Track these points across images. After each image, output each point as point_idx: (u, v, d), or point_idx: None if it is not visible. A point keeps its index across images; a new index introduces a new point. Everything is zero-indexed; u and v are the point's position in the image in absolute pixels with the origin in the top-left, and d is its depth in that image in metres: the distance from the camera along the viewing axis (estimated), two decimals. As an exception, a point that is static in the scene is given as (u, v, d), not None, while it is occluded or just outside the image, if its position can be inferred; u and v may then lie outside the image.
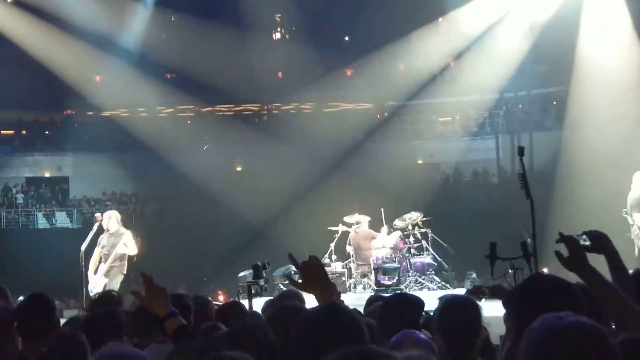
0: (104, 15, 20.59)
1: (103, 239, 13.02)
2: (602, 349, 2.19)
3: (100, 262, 12.98)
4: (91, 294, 12.64)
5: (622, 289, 3.88)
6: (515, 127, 21.08)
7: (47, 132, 24.20)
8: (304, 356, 2.86)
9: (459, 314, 4.23)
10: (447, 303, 4.50)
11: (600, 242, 4.10)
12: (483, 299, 8.33)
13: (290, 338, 3.07)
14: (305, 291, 3.77)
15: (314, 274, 3.66)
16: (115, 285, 12.91)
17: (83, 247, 12.78)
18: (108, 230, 12.98)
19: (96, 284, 12.83)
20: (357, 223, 16.73)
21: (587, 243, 4.15)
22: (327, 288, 3.70)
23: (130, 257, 12.94)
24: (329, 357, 2.06)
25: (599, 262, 3.95)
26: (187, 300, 5.76)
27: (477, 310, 4.33)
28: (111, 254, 12.86)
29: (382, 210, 16.85)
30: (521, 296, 3.22)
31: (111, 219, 13.04)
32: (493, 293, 6.02)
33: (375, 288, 15.22)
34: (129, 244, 12.75)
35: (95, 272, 12.92)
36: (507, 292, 5.65)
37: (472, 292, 6.04)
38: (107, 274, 12.84)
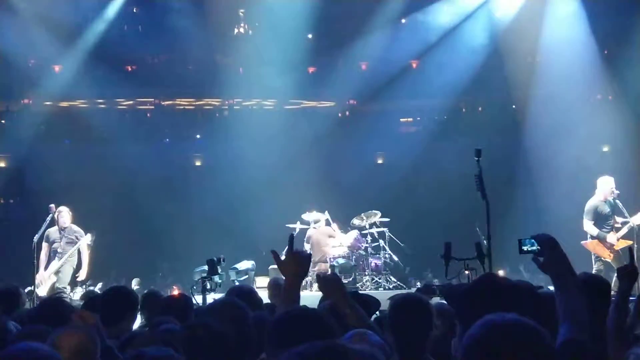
0: (64, 4, 20.35)
1: (53, 234, 12.91)
2: (539, 349, 2.22)
3: (49, 258, 12.88)
4: (37, 289, 12.55)
5: (573, 294, 3.91)
6: (475, 129, 21.18)
7: (2, 122, 23.84)
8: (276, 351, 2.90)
9: (409, 312, 4.24)
10: (397, 301, 4.51)
11: (548, 246, 4.12)
12: (437, 298, 8.36)
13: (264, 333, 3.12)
14: (282, 271, 4.10)
15: (300, 264, 4.04)
16: (66, 279, 12.81)
17: (36, 238, 12.66)
18: (60, 225, 12.88)
19: (44, 280, 12.72)
20: (316, 221, 16.79)
21: (535, 247, 4.18)
22: (300, 280, 4.12)
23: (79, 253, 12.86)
24: (294, 351, 2.06)
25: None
26: (130, 293, 5.75)
27: (427, 308, 4.34)
28: (65, 252, 12.76)
29: (327, 212, 16.93)
30: (467, 298, 3.24)
31: (64, 215, 12.96)
32: (442, 292, 6.06)
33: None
34: (82, 246, 12.67)
35: (45, 268, 12.83)
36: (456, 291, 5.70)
37: (423, 291, 6.08)
38: (57, 273, 12.73)
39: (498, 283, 3.31)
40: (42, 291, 12.66)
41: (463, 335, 3.24)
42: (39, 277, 12.72)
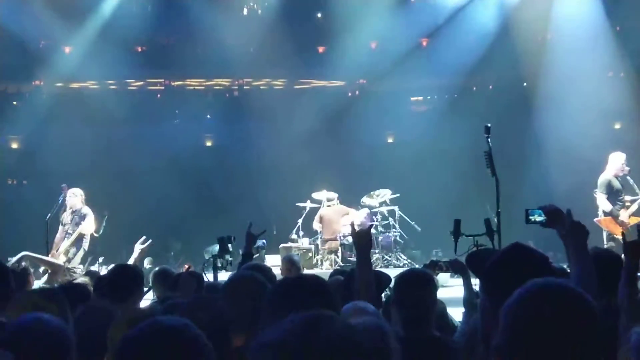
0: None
1: (65, 217, 13.01)
2: (587, 314, 2.17)
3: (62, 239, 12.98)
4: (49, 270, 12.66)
5: (579, 265, 3.93)
6: (486, 107, 21.11)
7: (14, 103, 23.94)
8: (275, 317, 2.89)
9: (414, 287, 4.25)
10: (402, 277, 4.54)
11: (555, 217, 4.13)
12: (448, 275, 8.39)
13: (262, 301, 3.15)
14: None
15: (361, 238, 4.73)
16: (77, 260, 12.90)
17: (48, 218, 12.75)
18: (71, 208, 12.96)
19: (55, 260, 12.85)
20: (330, 199, 16.84)
21: (542, 218, 4.19)
22: (362, 250, 4.73)
23: (92, 233, 12.95)
24: (289, 319, 2.04)
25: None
26: (136, 270, 5.81)
27: (432, 283, 4.36)
28: (74, 233, 12.86)
29: (337, 196, 16.98)
30: (499, 265, 3.22)
31: (75, 197, 13.02)
32: (449, 267, 6.07)
33: (342, 264, 15.30)
34: (86, 223, 12.74)
35: (57, 249, 12.94)
36: (463, 266, 5.74)
37: (429, 266, 6.08)
38: (66, 252, 12.82)
39: (529, 253, 3.29)
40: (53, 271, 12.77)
41: (485, 306, 3.25)
42: (51, 258, 12.82)
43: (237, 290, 4.05)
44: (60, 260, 12.79)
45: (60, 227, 13.15)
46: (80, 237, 12.96)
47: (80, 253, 13.03)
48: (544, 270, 3.12)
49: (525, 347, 2.16)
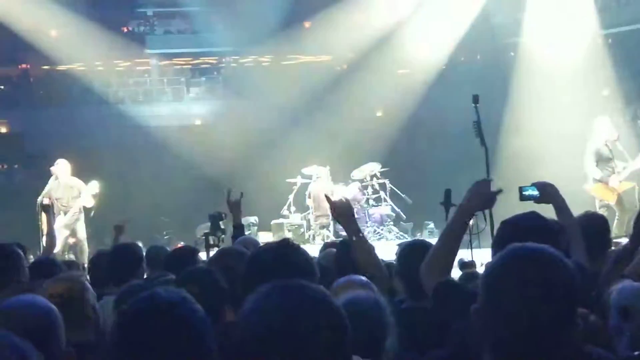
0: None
1: (56, 191, 12.92)
2: (565, 280, 2.16)
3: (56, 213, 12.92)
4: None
5: (570, 235, 4.00)
6: (473, 77, 21.05)
7: (2, 87, 23.84)
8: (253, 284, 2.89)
9: (417, 256, 4.28)
10: (405, 247, 4.59)
11: (548, 192, 4.25)
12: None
13: (242, 271, 3.15)
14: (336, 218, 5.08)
15: (342, 210, 4.84)
16: (82, 235, 12.86)
17: (39, 200, 12.70)
18: (60, 179, 12.86)
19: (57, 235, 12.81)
20: (318, 176, 16.81)
21: (536, 193, 4.32)
22: (346, 220, 4.80)
23: (86, 209, 12.91)
24: (263, 288, 2.05)
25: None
26: (137, 250, 5.79)
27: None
28: (70, 207, 12.81)
29: (328, 168, 16.91)
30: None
31: (61, 167, 12.93)
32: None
33: (334, 239, 15.32)
34: (84, 197, 12.69)
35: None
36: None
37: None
38: (67, 226, 12.78)
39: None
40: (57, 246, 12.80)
41: None
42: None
43: (221, 264, 4.07)
44: (62, 234, 12.75)
45: (55, 202, 13.08)
46: (81, 211, 12.95)
47: (83, 227, 13.04)
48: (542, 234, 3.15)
49: (499, 309, 2.16)
